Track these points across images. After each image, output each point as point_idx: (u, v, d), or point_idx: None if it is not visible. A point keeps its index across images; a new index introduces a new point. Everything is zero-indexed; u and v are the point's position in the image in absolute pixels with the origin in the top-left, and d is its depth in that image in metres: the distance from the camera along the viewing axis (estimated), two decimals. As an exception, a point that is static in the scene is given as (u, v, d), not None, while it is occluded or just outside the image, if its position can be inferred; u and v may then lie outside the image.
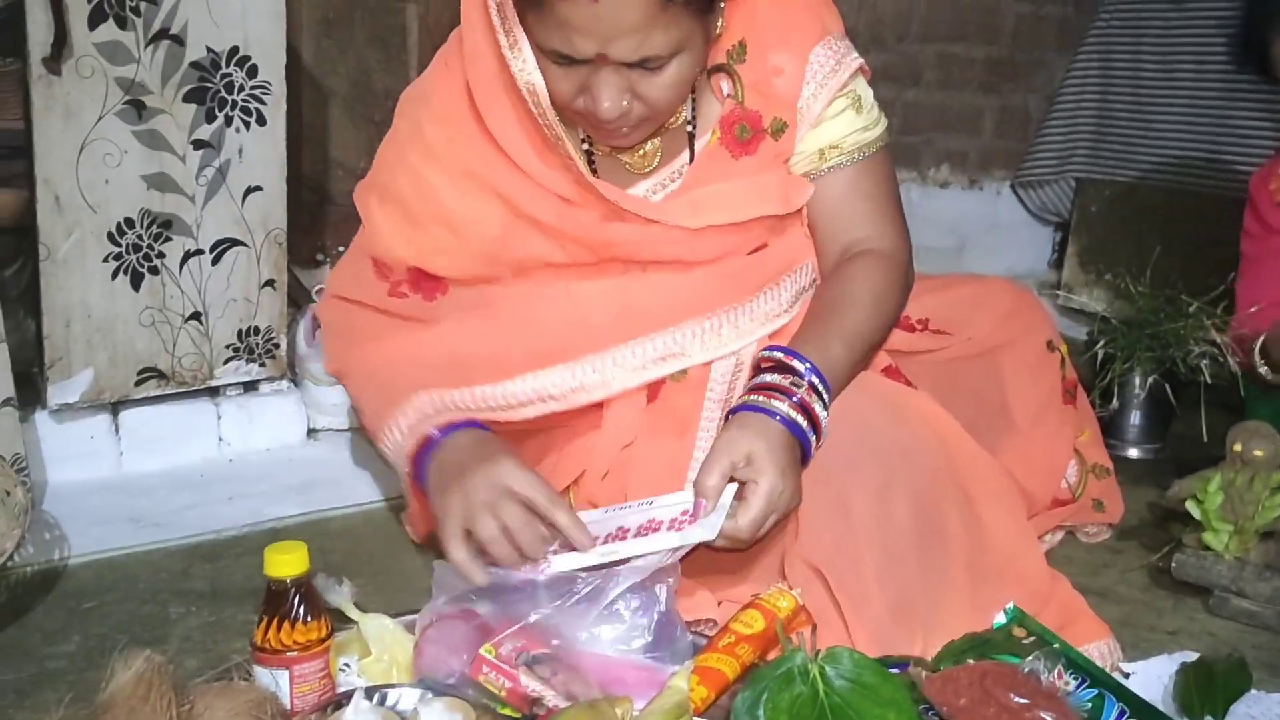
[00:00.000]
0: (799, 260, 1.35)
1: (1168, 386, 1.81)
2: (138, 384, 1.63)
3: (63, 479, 1.59)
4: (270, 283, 1.69)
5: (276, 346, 1.72)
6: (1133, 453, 1.90)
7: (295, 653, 1.04)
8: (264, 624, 1.04)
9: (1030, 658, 1.13)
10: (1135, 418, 1.91)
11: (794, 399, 1.17)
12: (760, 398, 1.18)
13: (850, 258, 1.33)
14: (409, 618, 1.20)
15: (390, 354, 1.36)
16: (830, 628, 1.17)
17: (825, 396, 1.19)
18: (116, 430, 1.64)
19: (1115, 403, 1.84)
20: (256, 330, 1.69)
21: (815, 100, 1.29)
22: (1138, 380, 1.87)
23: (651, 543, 1.15)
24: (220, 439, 1.72)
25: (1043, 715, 1.03)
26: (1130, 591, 1.45)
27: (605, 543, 1.15)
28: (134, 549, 1.44)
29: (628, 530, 1.17)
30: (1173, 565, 1.44)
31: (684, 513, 1.17)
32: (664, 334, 1.27)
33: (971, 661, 1.16)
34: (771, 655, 1.15)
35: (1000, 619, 1.20)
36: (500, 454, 1.18)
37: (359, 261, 1.42)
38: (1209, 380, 1.75)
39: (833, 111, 1.31)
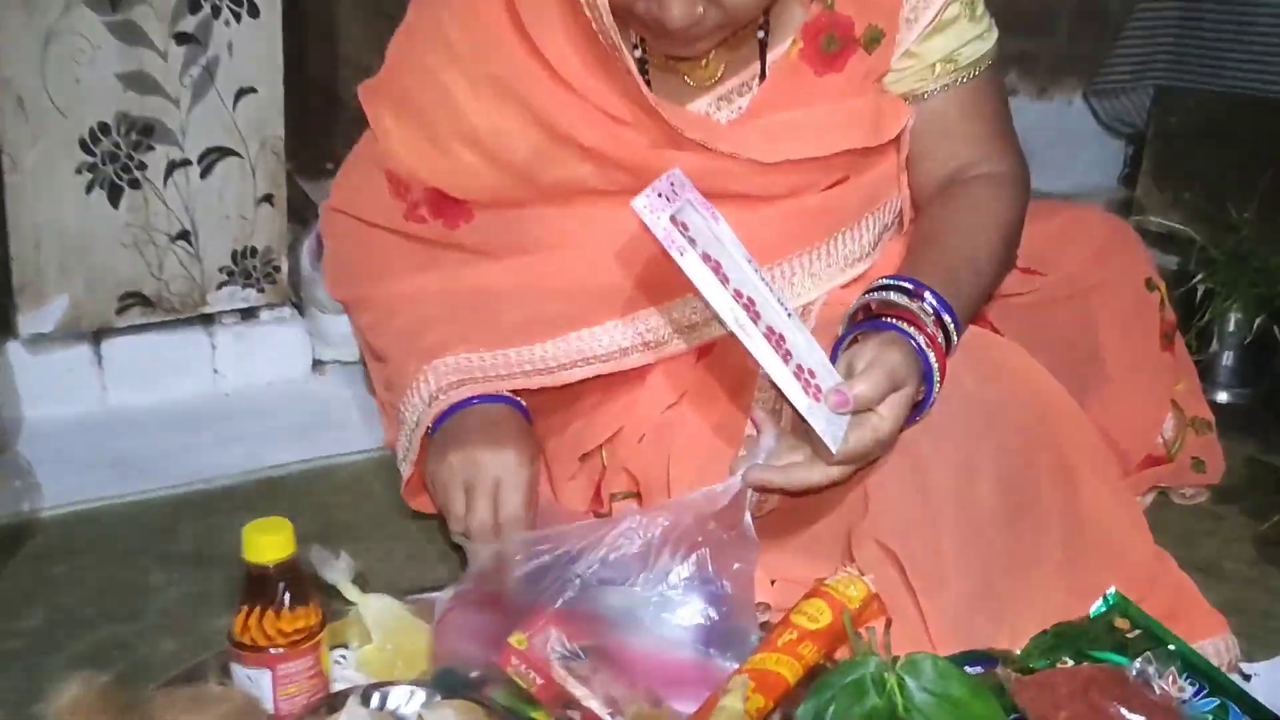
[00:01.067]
0: (884, 195, 1.16)
1: (1275, 327, 1.61)
2: (120, 311, 1.46)
3: (38, 416, 1.43)
4: (268, 198, 1.51)
5: (277, 269, 1.55)
6: (1222, 396, 1.71)
7: (281, 649, 0.88)
8: (243, 615, 0.89)
9: (1139, 659, 0.97)
10: (1229, 359, 1.71)
11: (940, 354, 0.99)
12: (911, 328, 0.98)
13: (965, 180, 1.14)
14: (420, 597, 1.05)
15: (411, 293, 1.18)
16: (903, 617, 1.01)
17: (955, 341, 1.01)
18: (99, 362, 1.48)
19: (1229, 349, 1.64)
20: (253, 251, 1.52)
21: (924, 6, 1.09)
22: (1235, 318, 1.67)
23: (775, 367, 0.94)
24: (215, 372, 1.55)
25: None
26: (1236, 567, 1.28)
27: (740, 299, 0.92)
28: (114, 500, 1.28)
29: (758, 317, 0.93)
30: (1289, 539, 1.27)
31: (812, 374, 0.95)
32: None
33: (1068, 660, 1.00)
34: (839, 653, 0.99)
35: (1099, 606, 1.04)
36: (510, 442, 1.05)
37: (369, 173, 1.24)
38: (1320, 319, 1.55)
39: (946, 19, 1.10)
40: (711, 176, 1.08)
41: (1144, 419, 1.32)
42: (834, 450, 0.94)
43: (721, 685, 0.88)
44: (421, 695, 0.90)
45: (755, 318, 0.93)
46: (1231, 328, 1.68)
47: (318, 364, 1.62)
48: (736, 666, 0.93)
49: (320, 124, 1.84)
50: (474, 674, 0.93)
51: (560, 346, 1.11)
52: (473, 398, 1.09)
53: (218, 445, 1.41)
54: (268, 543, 0.88)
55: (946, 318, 1.01)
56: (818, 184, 1.13)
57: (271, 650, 0.88)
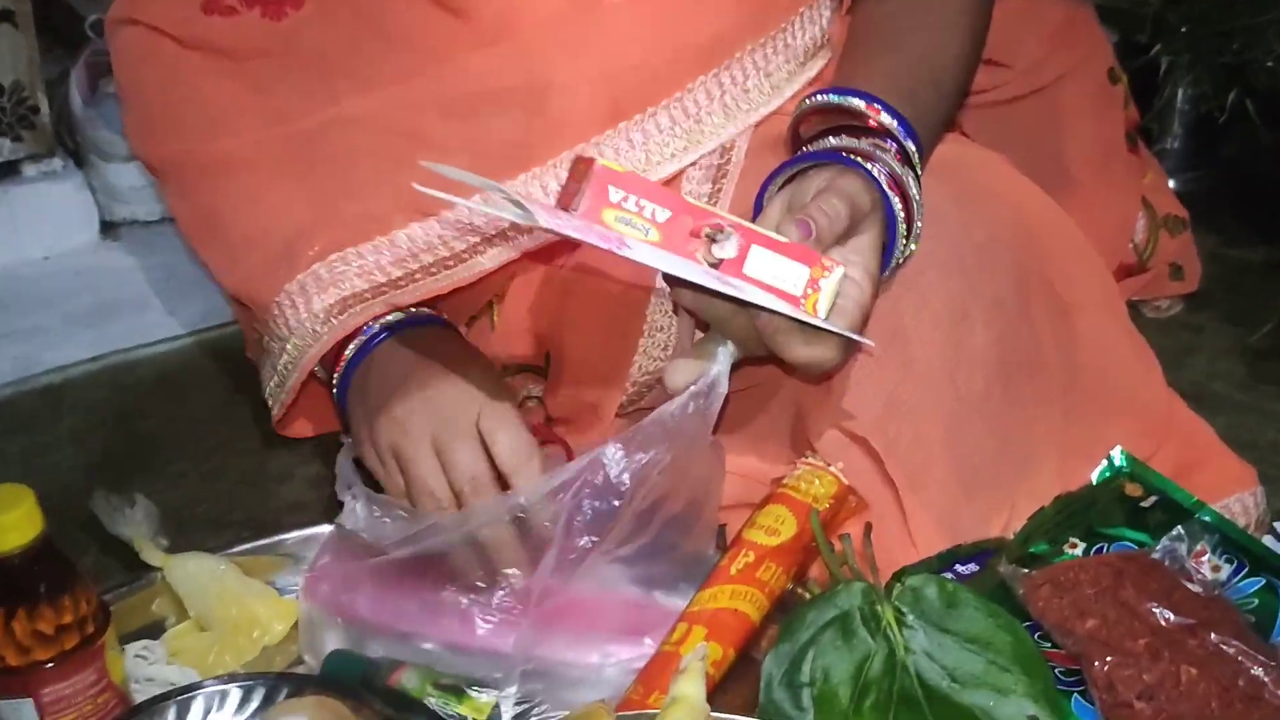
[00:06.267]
0: None
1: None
2: None
3: None
4: (5, 15, 1.15)
5: (34, 111, 1.22)
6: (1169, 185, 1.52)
7: (43, 665, 0.62)
8: (-16, 626, 0.62)
9: (1167, 538, 0.79)
10: (1174, 141, 1.52)
11: (903, 197, 0.75)
12: (872, 166, 0.73)
13: None
14: (256, 544, 0.80)
15: (242, 150, 0.84)
16: (880, 515, 0.79)
17: (919, 173, 0.76)
18: None
19: (1178, 129, 1.44)
20: (-4, 88, 1.18)
21: None
22: (1183, 93, 1.46)
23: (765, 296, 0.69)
24: (-28, 249, 1.23)
25: (1244, 663, 0.68)
26: (1227, 390, 1.11)
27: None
28: None
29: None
30: (1288, 351, 1.09)
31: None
32: (665, 107, 0.80)
33: (1076, 541, 0.82)
34: (813, 572, 0.77)
35: (1103, 469, 0.84)
36: (471, 367, 0.79)
37: None
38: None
39: None
40: None
41: (1115, 222, 1.19)
42: (821, 321, 0.70)
43: (669, 648, 0.66)
44: (235, 697, 0.65)
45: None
46: (1180, 102, 1.47)
47: (108, 227, 1.30)
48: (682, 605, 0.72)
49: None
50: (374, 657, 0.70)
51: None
52: (379, 329, 0.80)
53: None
54: (1, 523, 0.61)
55: (910, 146, 0.76)
56: None
57: (29, 671, 0.62)
